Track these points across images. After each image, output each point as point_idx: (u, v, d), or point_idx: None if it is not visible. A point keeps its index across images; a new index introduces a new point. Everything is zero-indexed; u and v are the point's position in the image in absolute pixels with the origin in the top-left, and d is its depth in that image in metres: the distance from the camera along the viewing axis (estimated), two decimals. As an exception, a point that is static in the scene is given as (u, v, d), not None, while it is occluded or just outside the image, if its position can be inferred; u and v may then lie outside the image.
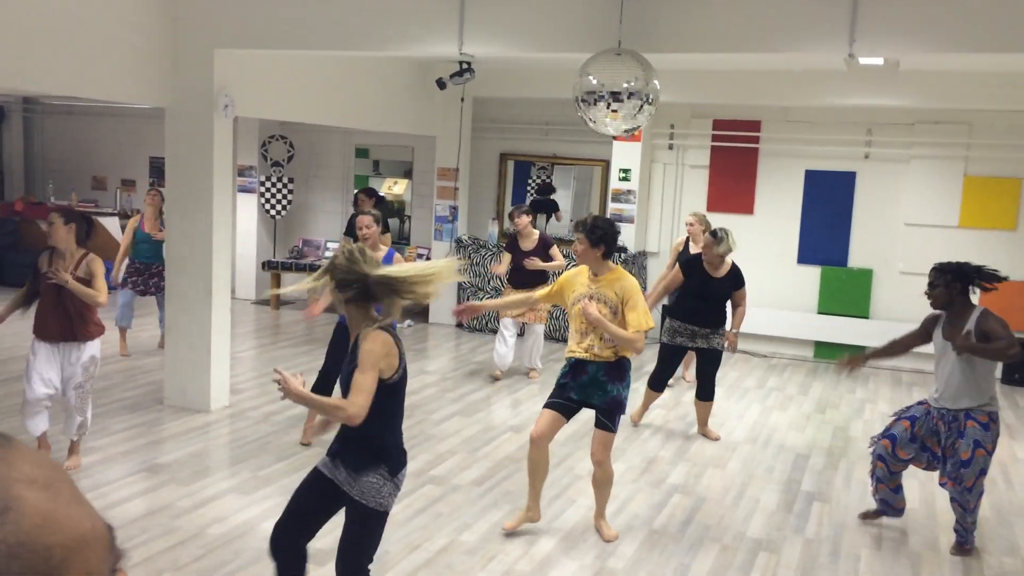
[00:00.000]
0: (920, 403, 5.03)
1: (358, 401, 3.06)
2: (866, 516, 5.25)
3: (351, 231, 9.28)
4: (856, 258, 9.57)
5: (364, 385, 3.08)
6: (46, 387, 5.24)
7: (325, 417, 3.51)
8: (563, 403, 4.71)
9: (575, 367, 4.65)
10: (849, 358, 5.31)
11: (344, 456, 3.30)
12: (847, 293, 9.54)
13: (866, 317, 9.48)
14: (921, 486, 5.68)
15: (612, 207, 9.99)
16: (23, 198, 12.47)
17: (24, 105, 12.92)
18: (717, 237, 6.47)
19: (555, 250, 7.97)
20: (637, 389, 7.15)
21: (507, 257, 8.05)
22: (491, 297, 10.19)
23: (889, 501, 5.09)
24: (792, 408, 7.74)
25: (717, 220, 9.12)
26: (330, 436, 3.59)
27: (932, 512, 5.42)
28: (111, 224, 11.90)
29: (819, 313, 9.65)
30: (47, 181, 12.81)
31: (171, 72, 6.42)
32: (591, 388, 4.62)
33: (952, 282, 4.76)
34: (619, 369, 4.62)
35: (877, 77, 8.50)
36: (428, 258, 10.83)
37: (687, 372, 8.29)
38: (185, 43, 6.39)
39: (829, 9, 4.91)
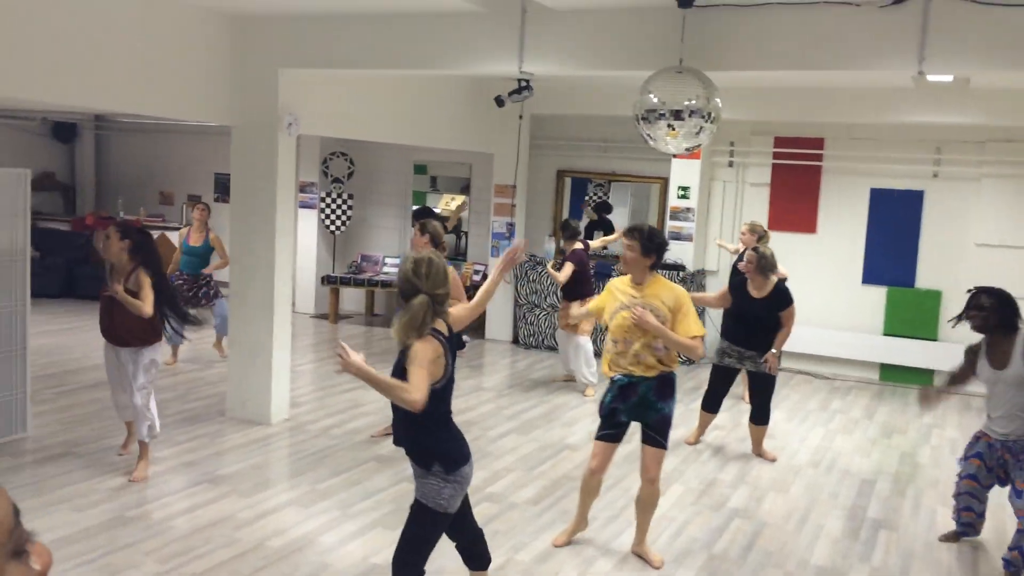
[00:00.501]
0: (978, 437, 5.00)
1: (420, 388, 3.18)
2: (947, 538, 5.23)
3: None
4: (924, 279, 9.33)
5: (419, 378, 3.20)
6: (123, 392, 5.60)
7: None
8: (614, 433, 4.68)
9: (624, 389, 4.57)
10: (922, 393, 5.22)
11: (409, 456, 3.52)
12: (914, 314, 9.29)
13: (934, 339, 9.22)
14: (992, 515, 5.48)
15: (670, 225, 9.91)
16: (94, 213, 12.86)
17: (96, 123, 13.35)
18: (760, 240, 6.84)
19: (567, 264, 8.05)
20: (693, 408, 7.07)
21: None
22: (547, 315, 10.16)
23: (975, 524, 5.14)
24: (857, 432, 7.55)
25: (778, 239, 8.99)
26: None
27: (1003, 541, 5.21)
28: (177, 239, 12.19)
29: (885, 335, 9.41)
30: (117, 196, 13.19)
31: (237, 91, 6.56)
32: (642, 408, 4.56)
33: (998, 307, 4.67)
34: (668, 386, 4.57)
35: (946, 94, 8.29)
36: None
37: (747, 393, 8.14)
38: (251, 63, 6.52)
39: (898, 26, 4.81)
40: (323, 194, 11.60)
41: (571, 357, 8.37)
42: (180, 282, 8.46)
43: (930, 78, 5.54)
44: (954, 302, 9.15)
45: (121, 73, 5.70)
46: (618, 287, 4.63)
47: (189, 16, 6.15)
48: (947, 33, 4.76)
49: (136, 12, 5.72)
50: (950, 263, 9.18)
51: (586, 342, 8.27)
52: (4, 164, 10.84)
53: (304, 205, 11.59)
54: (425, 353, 3.26)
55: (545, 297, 10.19)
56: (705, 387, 6.89)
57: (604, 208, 10.80)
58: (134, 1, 5.68)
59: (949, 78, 6.76)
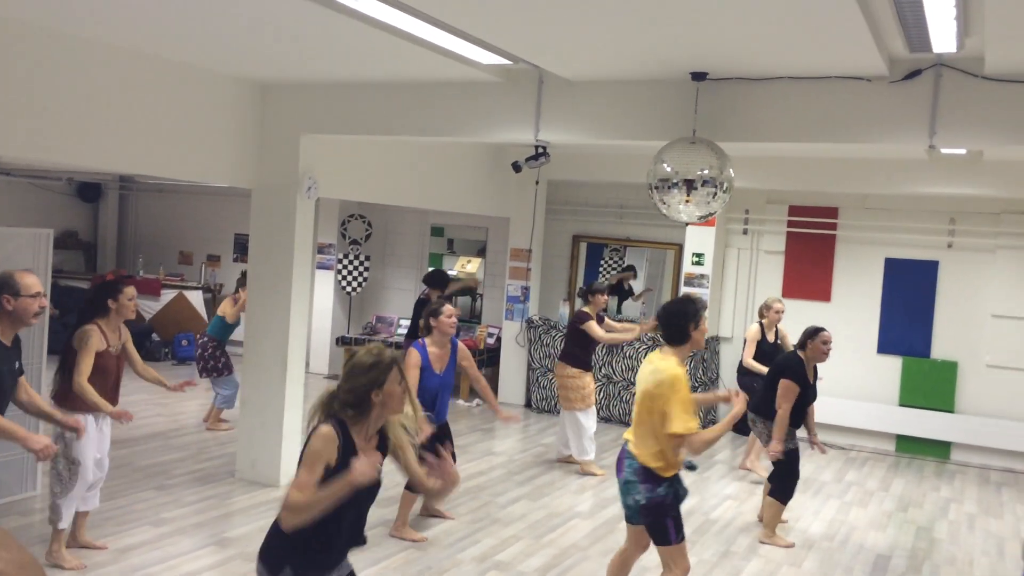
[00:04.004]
0: None
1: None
2: None
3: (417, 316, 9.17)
4: (940, 349, 9.26)
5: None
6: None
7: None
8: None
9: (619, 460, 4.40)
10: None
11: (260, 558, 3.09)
12: (930, 385, 9.20)
13: (951, 411, 9.11)
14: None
15: (685, 291, 9.93)
16: (114, 271, 13.01)
17: (120, 183, 13.61)
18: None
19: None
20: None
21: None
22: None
23: None
24: (872, 505, 7.42)
25: (793, 307, 8.99)
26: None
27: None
28: (195, 298, 12.31)
29: (901, 405, 9.31)
30: (137, 255, 13.38)
31: (259, 156, 6.70)
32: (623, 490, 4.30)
33: None
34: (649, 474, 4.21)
35: (960, 166, 8.35)
36: (499, 339, 10.85)
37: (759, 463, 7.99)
38: (273, 128, 6.67)
39: (909, 101, 4.88)
40: (340, 255, 11.73)
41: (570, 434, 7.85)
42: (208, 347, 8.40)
43: (943, 151, 5.61)
44: (970, 373, 9.09)
45: (149, 137, 5.84)
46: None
47: (215, 83, 6.32)
48: (958, 108, 4.82)
49: (163, 78, 5.89)
50: (966, 334, 9.13)
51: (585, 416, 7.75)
52: (29, 223, 11.05)
53: (321, 266, 11.71)
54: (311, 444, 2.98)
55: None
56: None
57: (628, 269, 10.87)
58: (161, 68, 5.85)
59: (962, 151, 6.82)
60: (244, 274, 8.95)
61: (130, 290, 5.15)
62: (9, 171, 11.90)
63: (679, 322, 4.23)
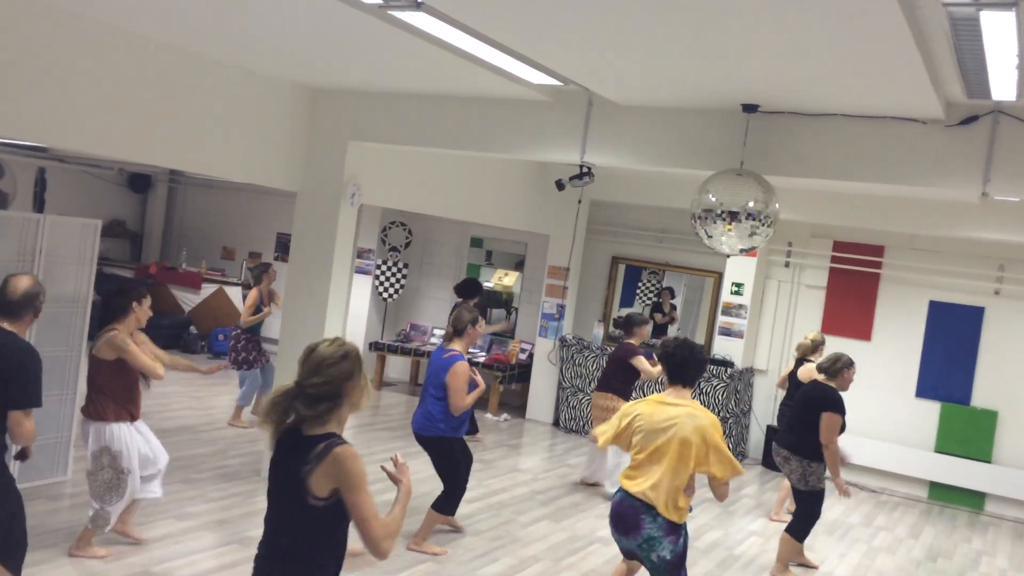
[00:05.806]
0: None
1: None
2: None
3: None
4: (980, 397, 9.06)
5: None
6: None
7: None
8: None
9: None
10: None
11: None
12: (968, 433, 8.99)
13: (988, 461, 8.90)
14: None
15: (722, 320, 9.84)
16: (157, 262, 13.23)
17: (170, 175, 13.84)
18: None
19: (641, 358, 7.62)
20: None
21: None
22: (591, 400, 10.03)
23: None
24: (901, 552, 7.26)
25: (832, 344, 8.84)
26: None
27: None
28: (234, 294, 12.46)
29: (936, 452, 9.11)
30: (181, 248, 13.57)
31: (306, 160, 6.77)
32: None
33: None
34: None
35: (1012, 212, 8.17)
36: (532, 355, 10.82)
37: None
38: (322, 134, 6.74)
39: (963, 146, 4.80)
40: (379, 261, 11.79)
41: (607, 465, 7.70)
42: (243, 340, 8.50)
43: (996, 198, 5.49)
44: (1011, 424, 8.87)
45: (202, 136, 5.93)
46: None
47: (268, 87, 6.40)
48: (1014, 157, 4.72)
49: (219, 80, 5.97)
50: (1009, 384, 8.92)
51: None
52: (79, 209, 11.27)
53: (360, 271, 11.78)
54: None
55: (589, 382, 10.11)
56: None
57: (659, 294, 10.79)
58: (217, 70, 5.94)
59: (1016, 198, 6.67)
60: (258, 267, 8.99)
61: (148, 299, 5.20)
62: (63, 158, 12.16)
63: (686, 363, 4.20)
